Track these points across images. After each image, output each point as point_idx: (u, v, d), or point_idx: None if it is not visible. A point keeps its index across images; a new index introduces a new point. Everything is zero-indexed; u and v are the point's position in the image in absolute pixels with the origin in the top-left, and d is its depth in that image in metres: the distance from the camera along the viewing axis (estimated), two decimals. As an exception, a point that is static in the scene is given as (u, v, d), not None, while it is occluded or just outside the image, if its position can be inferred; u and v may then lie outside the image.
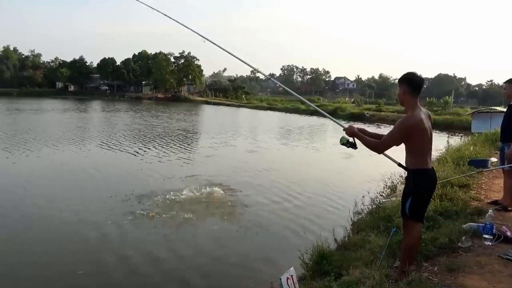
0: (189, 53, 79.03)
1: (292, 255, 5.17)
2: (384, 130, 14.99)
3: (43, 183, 10.03)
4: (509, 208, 5.32)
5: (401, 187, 6.47)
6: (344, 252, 4.86)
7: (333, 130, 27.24)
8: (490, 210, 4.60)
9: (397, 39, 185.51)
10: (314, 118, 37.14)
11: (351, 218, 6.52)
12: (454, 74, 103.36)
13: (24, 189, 9.29)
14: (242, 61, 4.49)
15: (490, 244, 4.01)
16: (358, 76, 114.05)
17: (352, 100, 61.06)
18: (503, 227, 4.41)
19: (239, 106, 59.00)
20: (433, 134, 3.38)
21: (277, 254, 6.11)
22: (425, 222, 3.97)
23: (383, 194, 7.41)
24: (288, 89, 5.07)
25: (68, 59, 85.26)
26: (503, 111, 6.46)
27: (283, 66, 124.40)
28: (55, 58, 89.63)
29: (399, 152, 3.27)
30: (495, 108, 23.53)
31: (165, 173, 11.25)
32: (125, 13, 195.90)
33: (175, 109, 45.27)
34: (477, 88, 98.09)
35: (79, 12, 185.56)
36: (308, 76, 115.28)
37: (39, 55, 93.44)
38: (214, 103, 63.34)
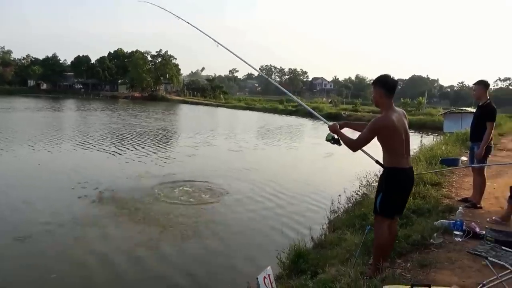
0: (166, 51, 78.08)
1: (269, 254, 5.20)
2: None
3: (19, 183, 9.69)
4: (478, 205, 5.52)
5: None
6: (321, 251, 4.91)
7: (312, 129, 27.56)
8: (460, 208, 4.75)
9: (373, 41, 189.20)
10: (293, 118, 37.42)
11: (327, 217, 6.60)
12: (427, 75, 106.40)
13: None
14: (254, 68, 5.03)
15: (460, 240, 4.15)
16: (335, 77, 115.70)
17: (329, 100, 61.83)
18: (472, 223, 4.56)
19: (217, 105, 58.75)
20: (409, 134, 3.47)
21: (254, 253, 6.11)
22: (399, 220, 4.06)
23: (358, 192, 7.53)
24: (287, 92, 5.34)
25: (41, 56, 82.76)
26: (473, 112, 6.68)
27: (262, 66, 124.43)
28: (26, 55, 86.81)
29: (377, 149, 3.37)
30: (466, 109, 24.30)
31: (145, 172, 11.08)
32: (101, 11, 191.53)
33: (153, 109, 44.58)
34: (449, 90, 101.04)
35: (52, 9, 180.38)
36: (286, 76, 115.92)
37: (9, 52, 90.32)
38: (192, 103, 62.80)
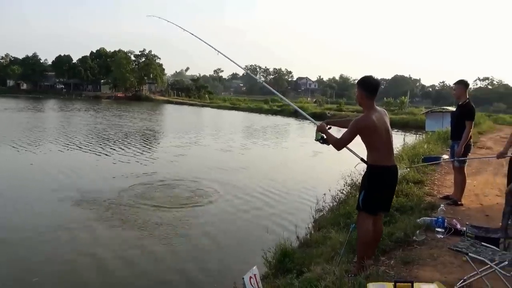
0: (150, 51, 77.40)
1: (255, 254, 5.20)
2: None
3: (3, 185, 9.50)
4: (459, 203, 5.64)
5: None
6: (306, 249, 4.95)
7: (298, 129, 27.68)
8: (442, 205, 4.85)
9: (357, 41, 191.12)
10: (279, 117, 37.55)
11: (313, 216, 6.64)
12: (409, 75, 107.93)
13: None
14: (255, 77, 4.81)
15: (442, 237, 4.24)
16: (320, 77, 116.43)
17: (314, 100, 62.26)
18: (454, 220, 4.67)
19: (202, 105, 58.46)
20: (392, 133, 3.57)
21: (240, 253, 6.11)
22: (383, 217, 4.12)
23: (343, 191, 7.61)
24: (279, 95, 5.33)
25: (21, 55, 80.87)
26: (454, 111, 6.82)
27: (246, 66, 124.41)
28: (5, 55, 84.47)
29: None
30: (447, 108, 24.78)
31: (132, 173, 10.94)
32: (83, 10, 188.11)
33: (138, 109, 44.07)
34: (430, 89, 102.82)
35: (33, 7, 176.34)
36: (271, 76, 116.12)
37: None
38: (176, 103, 62.35)
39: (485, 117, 23.63)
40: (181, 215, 7.60)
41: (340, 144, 3.43)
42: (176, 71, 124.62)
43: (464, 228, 4.23)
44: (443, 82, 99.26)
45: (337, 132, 3.61)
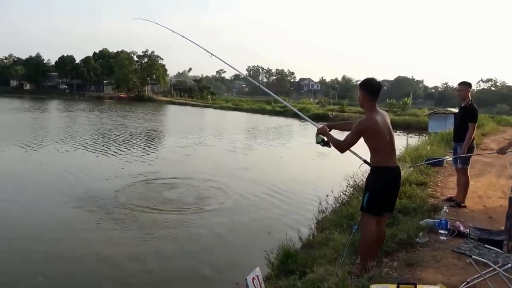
0: (152, 52, 77.41)
1: (258, 255, 5.19)
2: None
3: (12, 185, 9.61)
4: (462, 205, 5.63)
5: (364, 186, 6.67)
6: (309, 251, 4.95)
7: (302, 129, 27.63)
8: (445, 207, 4.85)
9: (360, 43, 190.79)
10: (281, 118, 37.53)
11: (315, 217, 6.63)
12: (412, 76, 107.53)
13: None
14: (252, 81, 4.78)
15: (445, 239, 4.23)
16: (322, 78, 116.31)
17: (317, 101, 62.17)
18: (457, 222, 4.66)
19: (204, 106, 58.44)
20: (394, 134, 3.58)
21: (243, 254, 6.11)
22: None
23: (346, 193, 7.60)
24: (277, 97, 5.20)
25: (24, 56, 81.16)
26: (457, 113, 6.81)
27: (249, 67, 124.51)
28: (9, 55, 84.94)
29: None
30: (450, 109, 24.69)
31: (139, 173, 11.05)
32: (85, 10, 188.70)
33: (141, 109, 44.10)
34: (433, 90, 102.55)
35: (35, 7, 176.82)
36: (274, 77, 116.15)
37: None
38: (179, 103, 62.36)
39: (488, 119, 23.57)
40: (185, 215, 7.63)
41: (343, 146, 3.43)
42: (178, 72, 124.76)
43: (467, 230, 4.22)
44: (446, 83, 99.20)
45: (337, 135, 3.61)
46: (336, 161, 12.11)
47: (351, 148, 3.52)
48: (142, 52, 77.73)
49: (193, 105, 59.98)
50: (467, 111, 5.63)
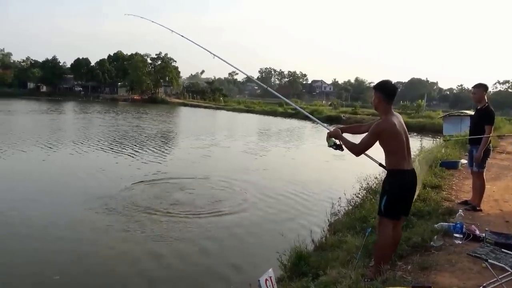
0: (166, 54, 78.06)
1: (271, 256, 5.21)
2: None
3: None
4: (477, 208, 5.55)
5: (377, 188, 6.64)
6: (322, 253, 4.94)
7: (315, 132, 27.52)
8: (460, 210, 4.79)
9: (373, 45, 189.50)
10: (293, 120, 37.48)
11: (328, 219, 6.62)
12: (426, 78, 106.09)
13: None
14: (255, 81, 4.83)
15: (460, 242, 4.18)
16: (335, 80, 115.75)
17: (329, 103, 61.90)
18: (472, 226, 4.60)
19: (217, 108, 58.68)
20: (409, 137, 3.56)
21: (255, 255, 6.14)
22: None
23: (359, 195, 7.56)
24: (287, 100, 5.40)
25: (41, 59, 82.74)
26: (472, 115, 6.72)
27: (261, 69, 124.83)
28: (26, 58, 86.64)
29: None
30: (465, 112, 24.32)
31: (156, 174, 11.26)
32: (100, 14, 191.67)
33: (155, 111, 44.51)
34: (448, 92, 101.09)
35: (52, 11, 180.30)
36: (286, 79, 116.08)
37: (9, 54, 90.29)
38: (192, 105, 62.73)
39: (505, 121, 23.08)
40: (201, 216, 7.71)
41: (359, 149, 3.40)
42: (191, 74, 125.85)
43: (483, 234, 4.17)
44: (461, 85, 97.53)
45: (350, 138, 3.58)
46: (349, 163, 12.07)
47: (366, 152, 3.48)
48: (156, 54, 78.60)
49: (205, 107, 60.26)
50: (483, 113, 5.55)
